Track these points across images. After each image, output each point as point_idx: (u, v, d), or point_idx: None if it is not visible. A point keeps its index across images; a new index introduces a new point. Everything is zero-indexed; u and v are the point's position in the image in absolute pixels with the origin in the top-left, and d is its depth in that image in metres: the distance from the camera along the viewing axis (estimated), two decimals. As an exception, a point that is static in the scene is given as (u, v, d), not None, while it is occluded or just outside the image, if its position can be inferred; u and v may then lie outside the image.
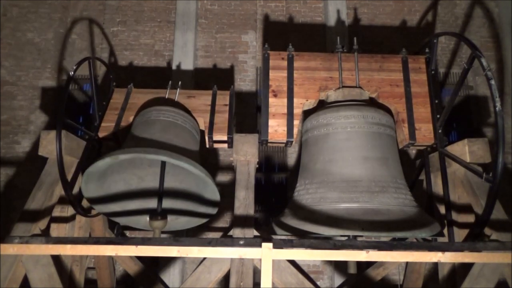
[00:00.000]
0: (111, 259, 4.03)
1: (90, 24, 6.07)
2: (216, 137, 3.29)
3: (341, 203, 2.59)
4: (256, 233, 2.85)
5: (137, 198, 3.28)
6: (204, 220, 3.35)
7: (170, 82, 3.63)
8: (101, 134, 3.31)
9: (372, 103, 3.19)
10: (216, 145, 3.43)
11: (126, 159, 2.82)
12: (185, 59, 5.73)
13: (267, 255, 1.90)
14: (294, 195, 3.01)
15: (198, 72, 5.82)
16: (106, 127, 3.31)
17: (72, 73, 2.88)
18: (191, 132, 3.21)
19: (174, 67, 5.68)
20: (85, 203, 3.39)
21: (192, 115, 3.37)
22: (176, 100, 3.46)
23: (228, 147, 3.39)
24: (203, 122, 3.36)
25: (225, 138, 3.29)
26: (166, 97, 3.47)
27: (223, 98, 3.51)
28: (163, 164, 2.99)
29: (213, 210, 3.18)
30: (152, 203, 3.19)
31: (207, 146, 3.40)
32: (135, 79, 5.11)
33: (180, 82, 3.65)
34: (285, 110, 3.14)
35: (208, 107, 3.44)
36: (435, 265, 3.63)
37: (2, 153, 5.48)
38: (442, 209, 3.10)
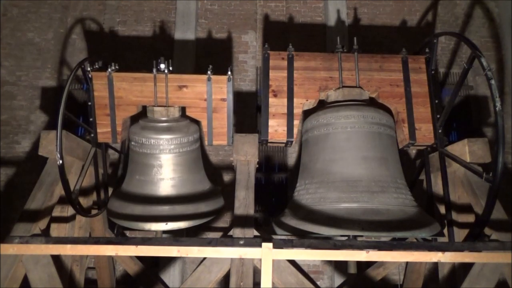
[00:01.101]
0: (111, 259, 4.03)
1: (90, 24, 6.07)
2: (215, 143, 3.28)
3: (341, 203, 2.59)
4: (256, 233, 2.85)
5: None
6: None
7: (154, 62, 3.16)
8: (100, 140, 3.29)
9: (372, 103, 3.19)
10: (215, 144, 3.41)
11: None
12: (185, 59, 5.73)
13: (267, 255, 1.90)
14: (294, 195, 3.01)
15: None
16: (103, 133, 3.26)
17: (68, 84, 2.75)
18: (193, 147, 3.25)
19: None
20: (85, 203, 3.39)
21: (188, 116, 3.32)
22: (166, 92, 3.14)
23: (228, 144, 3.37)
24: (200, 124, 3.31)
25: (225, 143, 3.28)
26: (155, 88, 3.11)
27: (220, 89, 3.18)
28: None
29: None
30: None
31: (207, 144, 3.37)
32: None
33: (166, 63, 3.17)
34: (285, 110, 3.13)
35: (204, 102, 3.18)
36: (435, 265, 3.62)
37: (2, 153, 5.48)
38: (442, 209, 3.10)
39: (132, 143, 3.21)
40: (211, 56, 5.92)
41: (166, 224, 2.93)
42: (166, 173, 3.11)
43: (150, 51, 5.94)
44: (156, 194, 3.08)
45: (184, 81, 3.19)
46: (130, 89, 3.18)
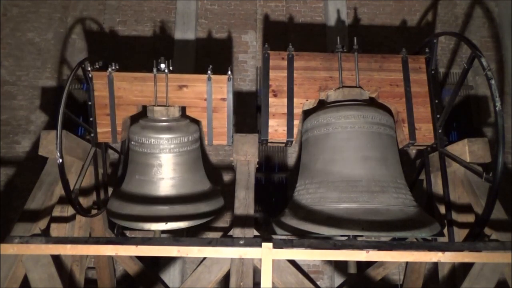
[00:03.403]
0: (111, 259, 4.03)
1: (90, 24, 6.07)
2: (215, 143, 3.28)
3: (341, 203, 2.59)
4: (256, 233, 2.85)
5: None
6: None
7: (154, 62, 3.18)
8: (100, 140, 3.29)
9: (372, 103, 3.19)
10: (216, 144, 3.41)
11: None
12: (185, 58, 5.74)
13: (267, 255, 1.90)
14: (294, 195, 3.01)
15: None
16: (103, 133, 3.25)
17: (68, 84, 2.76)
18: (193, 147, 3.26)
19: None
20: (85, 203, 3.39)
21: (188, 116, 3.32)
22: (166, 91, 3.15)
23: (228, 144, 3.36)
24: (200, 124, 3.31)
25: (225, 142, 3.28)
26: (155, 87, 3.13)
27: (220, 89, 3.20)
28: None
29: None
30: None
31: (206, 143, 3.37)
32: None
33: (166, 62, 3.19)
34: (285, 110, 3.13)
35: (204, 102, 3.19)
36: (435, 265, 3.62)
37: (2, 153, 5.48)
38: (442, 209, 3.10)
39: (132, 142, 3.21)
40: (211, 56, 5.93)
41: (166, 223, 2.93)
42: (166, 173, 3.11)
43: (150, 51, 5.94)
44: (156, 193, 3.08)
45: (184, 81, 3.20)
46: (130, 88, 3.19)
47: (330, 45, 5.69)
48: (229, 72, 3.20)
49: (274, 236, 2.90)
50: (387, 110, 3.14)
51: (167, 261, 5.02)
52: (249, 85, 5.87)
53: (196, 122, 3.35)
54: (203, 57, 5.88)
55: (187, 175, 3.20)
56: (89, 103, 3.23)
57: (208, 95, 3.20)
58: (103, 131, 3.25)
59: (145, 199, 3.06)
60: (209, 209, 3.19)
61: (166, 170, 3.10)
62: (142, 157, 3.14)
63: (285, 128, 3.10)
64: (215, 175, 5.43)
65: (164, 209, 3.01)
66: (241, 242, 2.07)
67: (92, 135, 3.28)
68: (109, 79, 3.17)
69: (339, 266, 5.07)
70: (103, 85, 3.19)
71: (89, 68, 3.17)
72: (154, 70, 3.16)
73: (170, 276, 5.00)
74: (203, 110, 3.22)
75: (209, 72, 3.18)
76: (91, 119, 3.25)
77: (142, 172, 3.13)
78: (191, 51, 5.79)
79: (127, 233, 5.07)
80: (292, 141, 3.13)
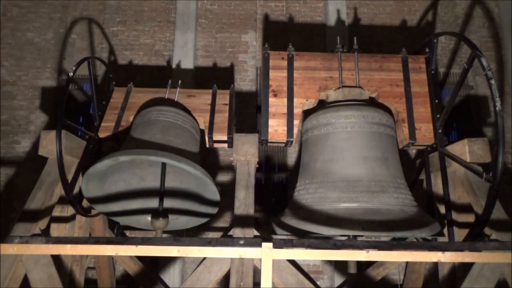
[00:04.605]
0: (111, 259, 4.03)
1: (90, 24, 6.07)
2: (216, 137, 3.29)
3: (341, 203, 2.59)
4: (256, 233, 2.85)
5: (138, 198, 3.31)
6: (204, 220, 3.37)
7: (170, 81, 3.65)
8: (101, 134, 3.31)
9: (372, 102, 3.20)
10: (216, 145, 3.44)
11: (126, 160, 2.86)
12: (185, 59, 5.74)
13: (267, 255, 1.90)
14: (294, 195, 3.01)
15: (198, 71, 5.82)
16: (106, 127, 3.32)
17: (72, 74, 2.90)
18: (191, 132, 3.22)
19: (174, 65, 5.68)
20: (85, 203, 3.39)
21: (192, 115, 3.38)
22: (176, 99, 3.47)
23: (228, 146, 3.39)
24: (203, 122, 3.36)
25: (225, 138, 3.30)
26: (166, 96, 3.48)
27: (223, 98, 3.54)
28: (164, 165, 3.00)
29: (213, 210, 3.19)
30: (152, 203, 3.21)
31: (207, 145, 3.40)
32: (135, 79, 5.09)
33: (180, 81, 3.67)
34: (285, 110, 3.14)
35: (208, 106, 3.46)
36: (435, 265, 3.63)
37: (2, 153, 5.48)
38: (442, 209, 3.10)
39: (134, 124, 3.23)
40: (211, 56, 5.93)
41: (157, 154, 2.62)
42: (163, 134, 2.97)
43: (150, 51, 5.95)
44: (151, 140, 2.89)
45: (193, 93, 3.57)
46: (144, 97, 3.52)
47: (330, 45, 5.69)
48: (232, 86, 3.65)
49: (274, 236, 2.90)
50: (387, 110, 3.14)
51: (167, 261, 5.02)
52: (249, 85, 5.87)
53: (197, 123, 3.39)
54: (203, 57, 5.89)
55: (181, 142, 3.03)
56: (103, 102, 3.50)
57: (212, 101, 3.50)
58: (106, 125, 3.34)
59: (138, 146, 2.84)
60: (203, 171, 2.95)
61: (162, 131, 2.98)
62: (141, 124, 3.11)
63: (285, 128, 3.10)
64: (215, 175, 5.44)
65: (158, 149, 2.75)
66: (241, 242, 2.07)
67: (95, 123, 3.37)
68: (127, 91, 3.55)
69: (339, 266, 5.07)
70: (121, 94, 3.54)
71: (113, 82, 3.69)
72: (168, 85, 3.54)
73: (170, 276, 5.00)
74: (206, 111, 3.43)
75: (214, 86, 3.59)
76: (99, 113, 3.41)
77: (140, 133, 3.01)
78: (191, 51, 5.79)
79: (127, 233, 5.08)
80: (292, 141, 3.13)
